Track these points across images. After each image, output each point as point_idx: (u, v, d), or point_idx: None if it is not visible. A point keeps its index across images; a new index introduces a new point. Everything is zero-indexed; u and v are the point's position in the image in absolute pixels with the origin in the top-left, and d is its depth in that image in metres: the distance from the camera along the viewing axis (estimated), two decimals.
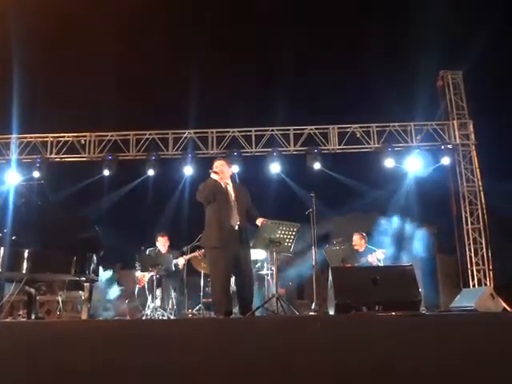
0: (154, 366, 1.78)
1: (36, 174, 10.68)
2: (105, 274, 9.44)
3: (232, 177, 5.76)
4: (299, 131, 11.25)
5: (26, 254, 5.45)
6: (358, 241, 7.89)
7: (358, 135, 11.12)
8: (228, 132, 11.25)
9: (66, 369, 1.87)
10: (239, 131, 11.26)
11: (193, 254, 7.77)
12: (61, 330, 3.24)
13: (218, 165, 5.56)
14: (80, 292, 7.97)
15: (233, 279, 5.85)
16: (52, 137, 11.34)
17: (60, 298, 8.06)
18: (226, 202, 5.38)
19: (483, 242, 10.55)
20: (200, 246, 7.70)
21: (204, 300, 7.99)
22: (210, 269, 5.45)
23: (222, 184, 5.50)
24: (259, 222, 5.47)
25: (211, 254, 5.39)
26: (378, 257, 7.46)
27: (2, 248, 5.46)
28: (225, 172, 5.55)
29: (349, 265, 7.41)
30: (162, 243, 7.81)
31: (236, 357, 1.90)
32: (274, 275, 6.09)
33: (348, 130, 11.17)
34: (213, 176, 5.43)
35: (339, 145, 11.13)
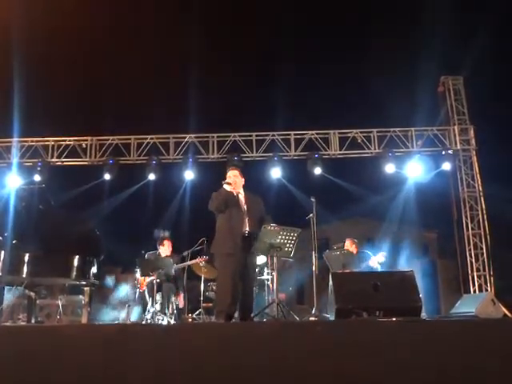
0: (154, 370, 1.78)
1: (37, 178, 10.68)
2: None
3: (244, 186, 5.80)
4: (300, 136, 11.26)
5: (26, 258, 5.46)
6: (348, 246, 7.92)
7: (359, 140, 11.13)
8: (229, 137, 11.26)
9: (66, 373, 1.87)
10: (240, 136, 11.26)
11: (194, 261, 7.75)
12: (61, 334, 3.24)
13: (232, 175, 5.64)
14: (80, 296, 7.97)
15: None
16: (53, 140, 11.36)
17: (60, 302, 8.05)
18: (237, 210, 5.46)
19: (484, 247, 10.53)
20: (200, 251, 7.70)
21: (204, 305, 7.97)
22: (219, 274, 5.56)
23: (234, 193, 5.56)
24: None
25: (221, 260, 5.46)
26: (378, 260, 7.47)
27: (3, 252, 5.46)
28: (237, 182, 5.63)
29: (349, 270, 7.40)
30: (168, 247, 7.81)
31: (236, 362, 1.90)
32: (275, 280, 6.09)
33: (349, 135, 11.18)
34: (225, 187, 5.49)
35: (340, 150, 11.13)
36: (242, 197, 5.60)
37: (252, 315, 5.43)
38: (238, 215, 5.43)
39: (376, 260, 7.48)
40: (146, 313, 7.21)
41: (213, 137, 11.32)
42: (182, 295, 7.69)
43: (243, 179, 5.77)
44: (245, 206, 5.53)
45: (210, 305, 8.10)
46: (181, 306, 7.62)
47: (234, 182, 5.58)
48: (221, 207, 5.43)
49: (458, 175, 10.99)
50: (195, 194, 11.02)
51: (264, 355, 2.06)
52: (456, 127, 11.10)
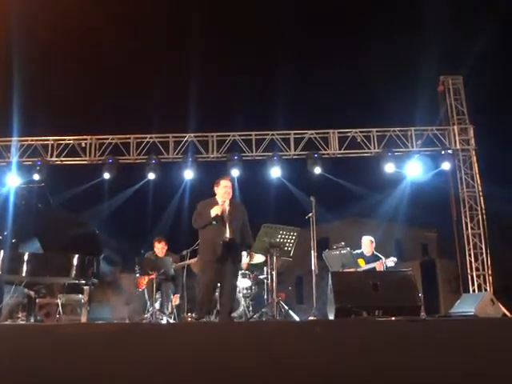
0: (154, 368, 1.78)
1: (36, 177, 10.66)
2: None
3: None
4: (300, 135, 11.24)
5: (25, 257, 5.45)
6: (368, 244, 7.76)
7: (359, 140, 11.12)
8: (228, 136, 11.24)
9: (66, 372, 1.87)
10: (240, 135, 11.24)
11: (192, 261, 7.73)
12: (60, 332, 3.24)
13: (228, 187, 5.76)
14: (80, 295, 7.96)
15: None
16: (53, 140, 11.33)
17: (59, 301, 8.04)
18: (219, 221, 5.56)
19: (483, 247, 10.53)
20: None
21: None
22: (200, 276, 5.85)
23: (220, 201, 5.67)
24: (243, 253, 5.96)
25: (203, 264, 5.80)
26: (387, 264, 7.35)
27: (2, 251, 5.46)
28: (230, 193, 5.77)
29: (348, 270, 7.36)
30: (160, 249, 7.79)
31: (236, 361, 1.90)
32: (274, 279, 6.09)
33: (348, 134, 11.17)
34: (214, 211, 5.56)
35: (340, 149, 11.11)
36: (226, 204, 5.66)
37: (251, 314, 5.47)
38: (219, 225, 5.54)
39: (384, 263, 7.35)
40: (146, 312, 7.22)
41: (212, 136, 11.30)
42: (177, 295, 7.68)
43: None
44: (227, 214, 5.59)
45: None
46: (174, 303, 7.63)
47: (228, 193, 5.71)
48: (204, 224, 5.64)
49: (458, 175, 10.98)
50: (195, 194, 11.02)
51: (264, 354, 2.06)
52: (455, 127, 11.09)
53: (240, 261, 6.08)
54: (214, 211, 5.51)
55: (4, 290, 5.88)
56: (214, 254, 5.49)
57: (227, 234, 5.44)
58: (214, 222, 5.53)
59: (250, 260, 7.74)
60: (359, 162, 11.49)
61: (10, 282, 5.68)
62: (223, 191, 5.71)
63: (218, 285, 6.08)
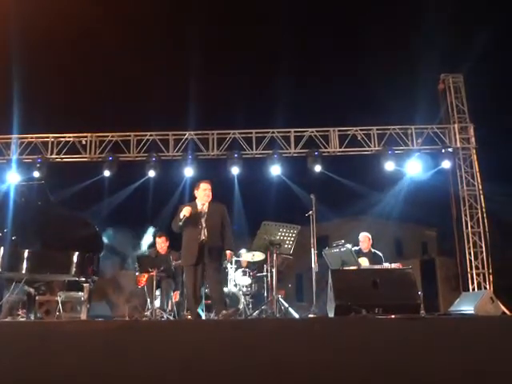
0: (154, 366, 1.78)
1: (36, 174, 10.66)
2: None
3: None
4: (300, 133, 11.23)
5: (25, 254, 5.45)
6: (365, 240, 7.76)
7: (359, 138, 11.11)
8: (229, 134, 11.23)
9: (65, 369, 1.87)
10: (240, 133, 11.23)
11: None
12: (60, 330, 3.23)
13: (207, 190, 5.93)
14: (79, 292, 7.97)
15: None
16: (53, 137, 11.32)
17: (59, 299, 8.05)
18: (197, 220, 5.75)
19: (483, 245, 10.53)
20: None
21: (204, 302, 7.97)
22: (185, 280, 5.97)
23: (199, 205, 5.83)
24: (227, 253, 6.01)
25: (185, 269, 5.93)
26: None
27: (2, 248, 5.46)
28: (209, 196, 5.94)
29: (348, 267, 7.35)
30: (160, 244, 7.79)
31: (235, 358, 1.90)
32: (274, 277, 6.10)
33: (349, 132, 11.16)
34: (183, 213, 5.71)
35: (340, 147, 11.10)
36: (205, 207, 5.85)
37: (251, 312, 5.48)
38: (196, 225, 5.71)
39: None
40: (146, 310, 7.22)
41: (212, 134, 11.29)
42: (177, 292, 7.69)
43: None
44: (205, 216, 5.78)
45: (209, 302, 8.10)
46: (174, 300, 7.66)
47: (207, 196, 5.87)
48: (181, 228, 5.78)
49: (458, 173, 10.97)
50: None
51: (263, 352, 2.06)
52: (456, 125, 11.08)
53: (220, 259, 6.22)
54: (182, 213, 5.67)
55: (4, 287, 5.88)
56: (192, 256, 5.64)
57: (202, 236, 5.61)
58: (179, 224, 5.68)
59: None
60: (359, 160, 11.49)
61: (10, 279, 5.68)
62: (203, 194, 5.89)
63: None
